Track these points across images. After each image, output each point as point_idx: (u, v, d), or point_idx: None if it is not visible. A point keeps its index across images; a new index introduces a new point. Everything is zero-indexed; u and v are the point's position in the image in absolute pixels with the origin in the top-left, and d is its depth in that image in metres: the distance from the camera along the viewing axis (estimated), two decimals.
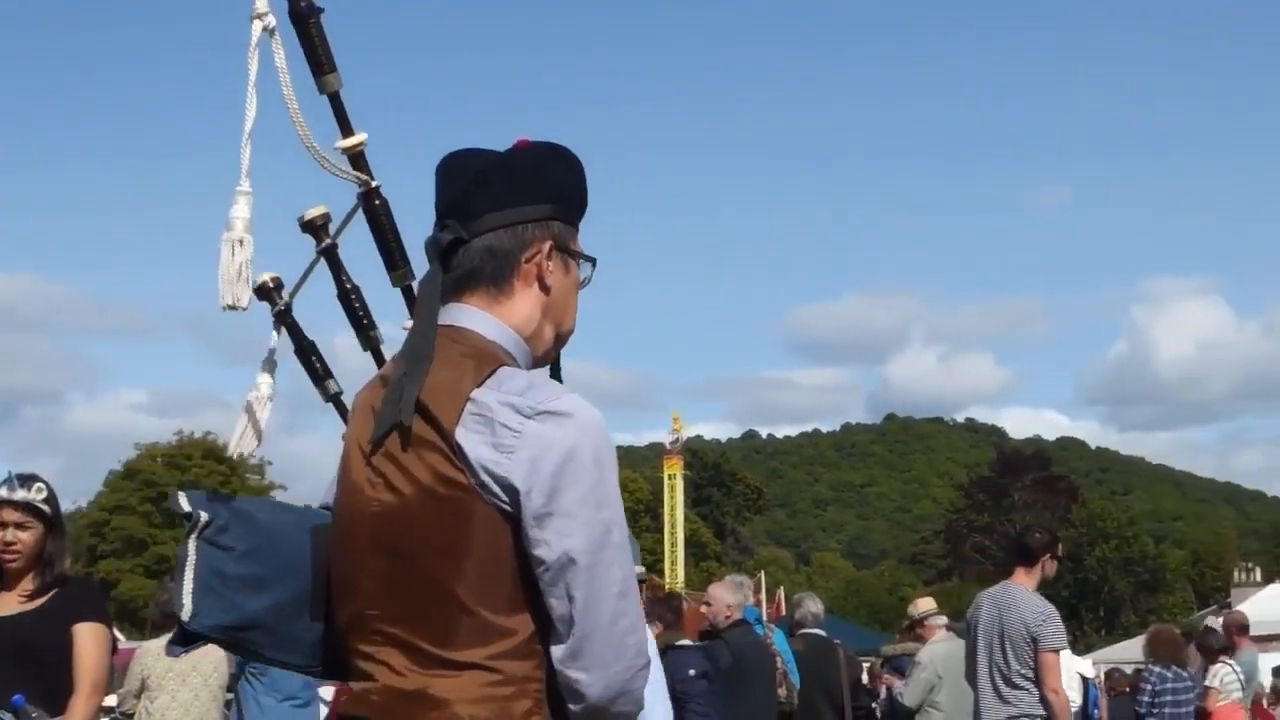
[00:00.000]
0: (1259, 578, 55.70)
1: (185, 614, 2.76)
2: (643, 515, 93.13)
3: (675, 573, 54.09)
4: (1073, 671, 13.75)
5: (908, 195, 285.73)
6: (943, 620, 12.93)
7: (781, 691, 11.49)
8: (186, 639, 2.83)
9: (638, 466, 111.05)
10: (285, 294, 3.44)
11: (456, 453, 2.56)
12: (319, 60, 3.24)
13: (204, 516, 2.82)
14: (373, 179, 3.32)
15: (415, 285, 3.18)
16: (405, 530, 2.61)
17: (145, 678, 9.27)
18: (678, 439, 57.10)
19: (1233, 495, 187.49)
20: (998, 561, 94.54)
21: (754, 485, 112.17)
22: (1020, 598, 8.84)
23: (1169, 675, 12.59)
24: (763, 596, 46.28)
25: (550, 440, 2.54)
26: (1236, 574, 60.23)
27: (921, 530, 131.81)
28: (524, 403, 2.56)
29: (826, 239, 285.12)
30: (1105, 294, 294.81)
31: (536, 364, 2.85)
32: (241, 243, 3.08)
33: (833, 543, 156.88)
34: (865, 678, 16.26)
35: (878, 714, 13.70)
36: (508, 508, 2.55)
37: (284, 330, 3.44)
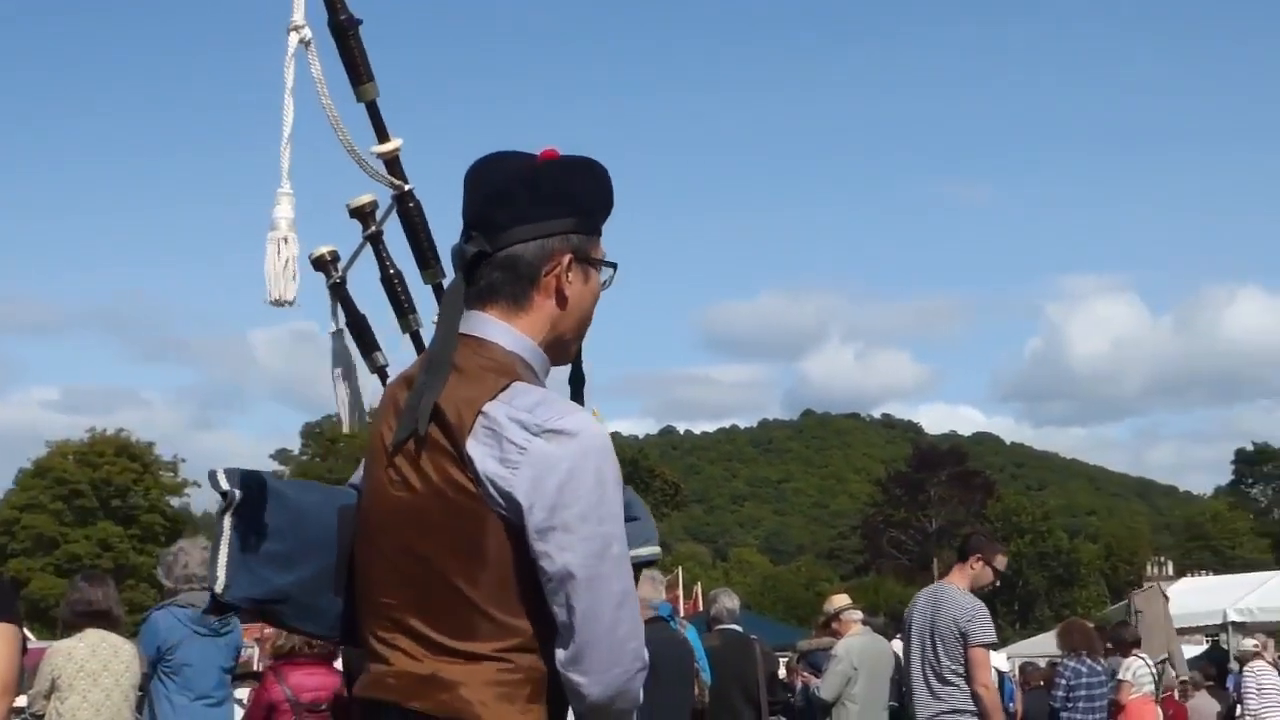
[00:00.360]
0: (1171, 572, 56.31)
1: (219, 586, 2.91)
2: None
3: None
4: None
5: (826, 192, 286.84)
6: (858, 615, 13.00)
7: (694, 690, 11.49)
8: (219, 609, 3.00)
9: None
10: (340, 269, 3.70)
11: (467, 463, 2.73)
12: (358, 70, 3.42)
13: (238, 494, 2.94)
14: (406, 183, 3.52)
15: (445, 284, 3.34)
16: (419, 529, 2.79)
17: (55, 678, 9.15)
18: None
19: (1145, 490, 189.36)
20: (914, 557, 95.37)
21: (671, 481, 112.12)
22: (952, 596, 9.01)
23: (1083, 668, 12.70)
24: (679, 593, 46.35)
25: (554, 458, 2.70)
26: (1149, 568, 60.87)
27: (838, 526, 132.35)
28: (531, 420, 2.72)
29: (745, 235, 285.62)
30: (1022, 291, 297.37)
31: (557, 363, 3.03)
32: (286, 240, 3.22)
33: (750, 538, 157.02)
34: (782, 673, 16.29)
35: (794, 709, 13.72)
36: (509, 517, 2.72)
37: (339, 304, 3.68)
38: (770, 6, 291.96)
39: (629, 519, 2.90)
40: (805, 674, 13.49)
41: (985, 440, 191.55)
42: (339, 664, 9.68)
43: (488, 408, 2.74)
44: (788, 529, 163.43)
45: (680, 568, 57.87)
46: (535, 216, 2.91)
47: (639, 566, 3.02)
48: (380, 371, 3.83)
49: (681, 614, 32.07)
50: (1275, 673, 16.88)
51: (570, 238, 2.94)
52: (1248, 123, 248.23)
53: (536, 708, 2.79)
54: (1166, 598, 21.32)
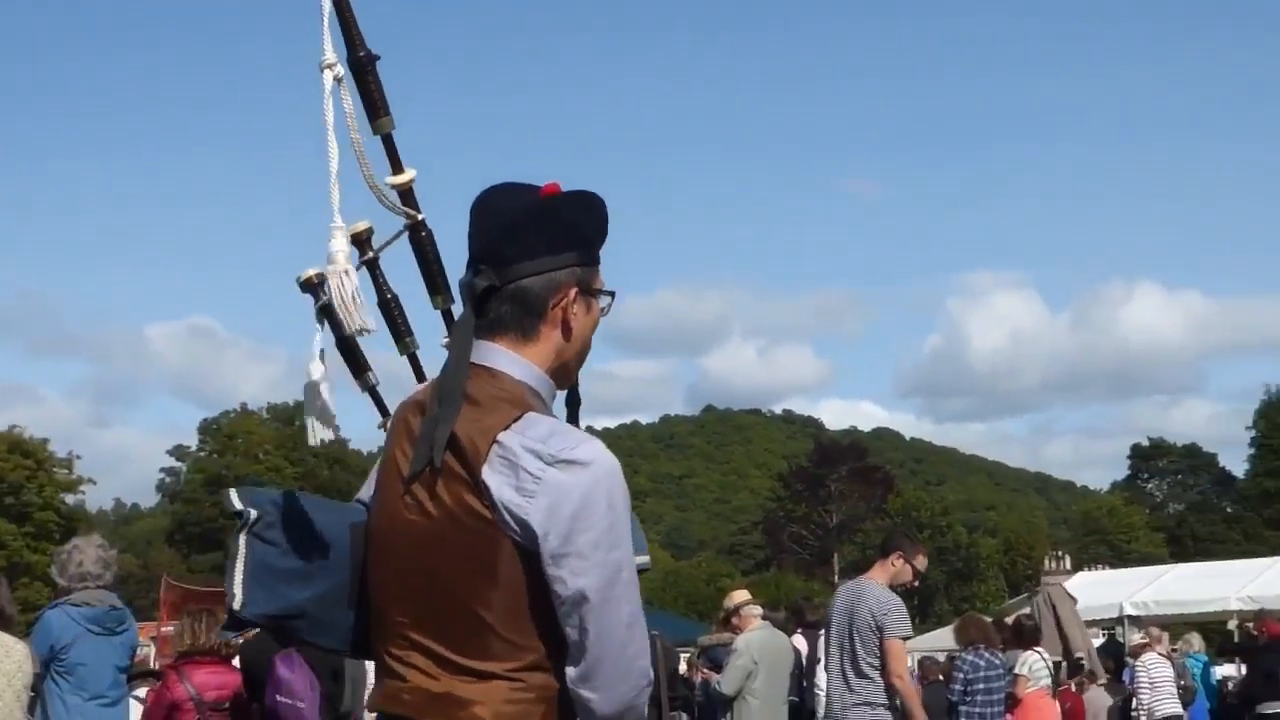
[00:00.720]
0: (1068, 566, 56.75)
1: (236, 604, 3.03)
2: None
3: None
4: None
5: (728, 188, 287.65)
6: (758, 610, 13.02)
7: None
8: (237, 625, 3.11)
9: None
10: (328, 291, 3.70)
11: (483, 490, 2.84)
12: (375, 105, 3.58)
13: (253, 514, 3.08)
14: (419, 213, 3.67)
15: (453, 310, 3.60)
16: (435, 552, 2.90)
17: None
18: None
19: (1043, 485, 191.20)
20: (815, 552, 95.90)
21: None
22: (871, 591, 9.22)
23: (980, 662, 12.76)
24: None
25: (568, 487, 2.81)
26: (1047, 562, 61.35)
27: (740, 521, 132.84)
28: (545, 450, 2.83)
29: (644, 230, 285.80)
30: (922, 288, 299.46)
31: (561, 388, 3.17)
32: (348, 273, 3.41)
33: (651, 534, 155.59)
34: (683, 668, 16.32)
35: (695, 704, 13.74)
36: (524, 543, 2.82)
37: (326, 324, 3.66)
38: (668, 2, 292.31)
39: None
40: (705, 670, 13.50)
41: (885, 436, 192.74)
42: (237, 663, 9.64)
43: (502, 437, 2.86)
44: (689, 525, 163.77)
45: None
46: (542, 251, 3.02)
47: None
48: (371, 391, 4.00)
49: None
50: (1167, 665, 17.09)
51: (575, 270, 3.06)
52: (1144, 119, 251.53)
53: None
54: (1073, 599, 21.54)
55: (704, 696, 13.05)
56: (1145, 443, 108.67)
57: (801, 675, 13.63)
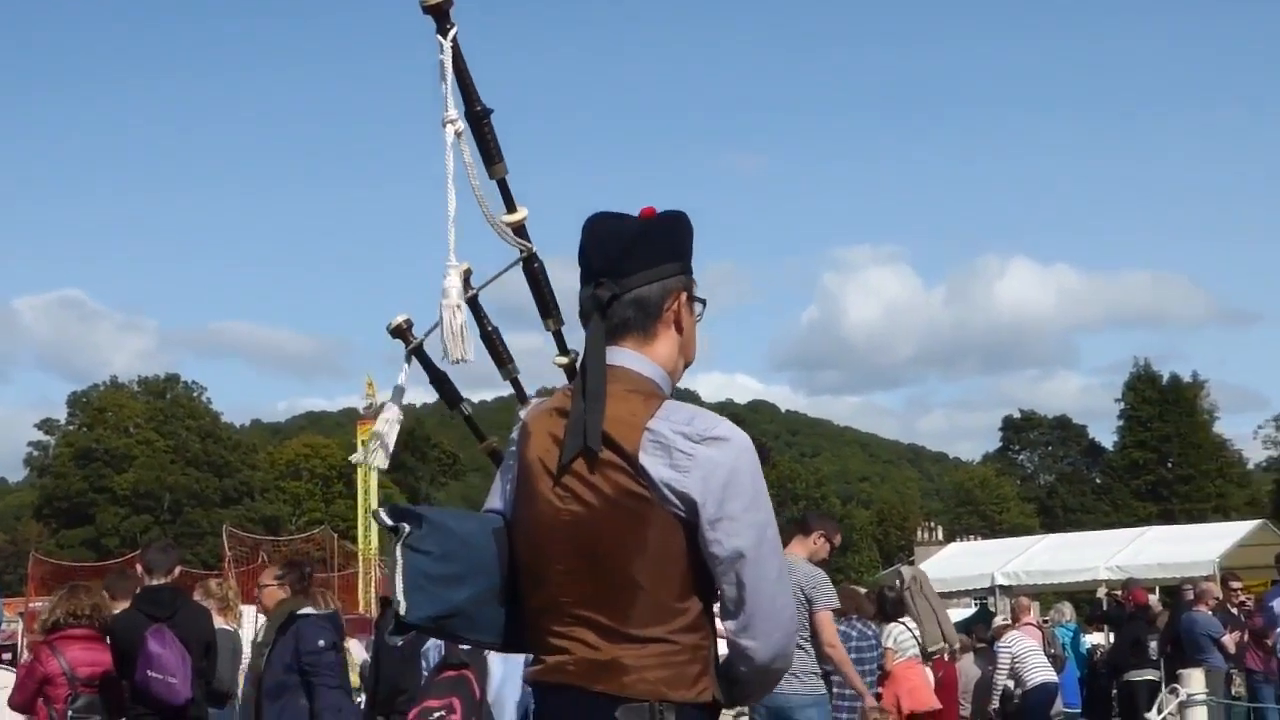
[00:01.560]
0: (940, 537, 57.59)
1: (401, 610, 3.33)
2: (336, 481, 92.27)
3: (368, 539, 53.47)
4: None
5: (603, 161, 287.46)
6: None
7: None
8: (403, 629, 3.41)
9: (331, 432, 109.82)
10: (417, 334, 4.42)
11: (640, 472, 3.23)
12: (490, 153, 3.99)
13: (406, 528, 3.38)
14: (532, 245, 4.07)
15: (563, 332, 4.08)
16: (593, 534, 3.26)
17: None
18: (371, 404, 56.34)
19: (916, 457, 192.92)
20: None
21: (449, 451, 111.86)
22: (796, 566, 9.27)
23: (853, 632, 12.87)
24: None
25: (716, 461, 3.23)
26: (920, 533, 62.18)
27: None
28: (692, 431, 3.25)
29: (529, 201, 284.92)
30: (798, 261, 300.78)
31: (675, 380, 3.56)
32: (459, 308, 3.86)
33: None
34: None
35: None
36: (683, 514, 3.22)
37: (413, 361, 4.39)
38: None
39: None
40: None
41: (761, 408, 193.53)
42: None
43: (652, 425, 3.27)
44: None
45: None
46: (654, 262, 3.47)
47: None
48: (467, 419, 4.72)
49: None
50: (1032, 639, 17.29)
51: (681, 278, 3.53)
52: (1017, 93, 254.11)
53: (706, 679, 3.28)
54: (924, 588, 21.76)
55: None
56: (1016, 415, 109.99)
57: None
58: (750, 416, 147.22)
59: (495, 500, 3.62)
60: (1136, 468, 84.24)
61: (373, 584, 46.03)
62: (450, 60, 3.89)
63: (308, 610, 9.40)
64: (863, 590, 16.09)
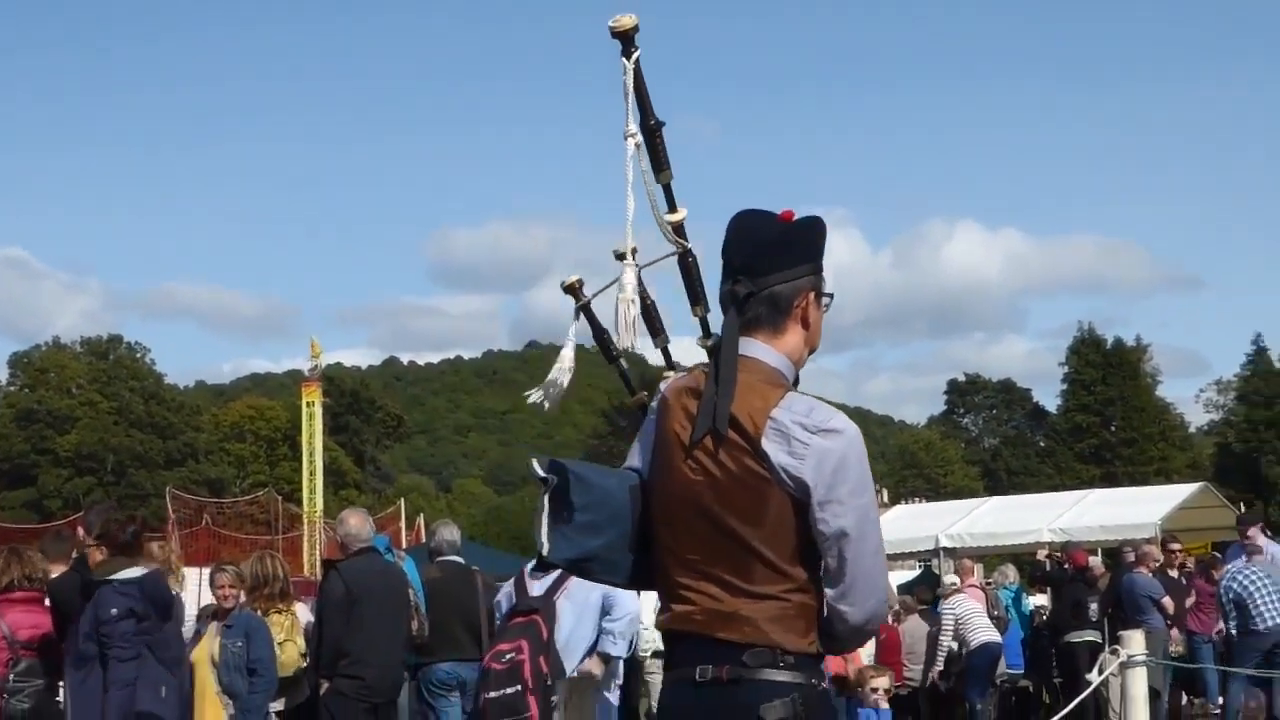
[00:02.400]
0: (885, 499, 57.81)
1: (544, 551, 3.89)
2: (280, 444, 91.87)
3: (314, 501, 53.36)
4: None
5: (551, 121, 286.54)
6: None
7: (413, 624, 11.37)
8: (544, 567, 4.04)
9: (276, 394, 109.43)
10: (587, 293, 4.79)
11: (761, 456, 3.71)
12: (659, 161, 4.43)
13: (554, 480, 3.91)
14: (688, 243, 4.50)
15: (709, 318, 4.48)
16: (718, 503, 3.76)
17: None
18: (316, 366, 56.24)
19: (861, 420, 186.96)
20: None
21: (394, 413, 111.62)
22: None
23: None
24: (401, 524, 46.15)
25: (829, 450, 3.70)
26: None
27: (563, 456, 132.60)
28: (809, 422, 3.72)
29: (471, 163, 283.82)
30: None
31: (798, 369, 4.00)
32: (633, 302, 4.34)
33: (475, 469, 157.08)
34: None
35: None
36: (796, 494, 3.71)
37: (582, 317, 4.84)
38: None
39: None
40: None
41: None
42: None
43: (774, 414, 3.73)
44: (512, 460, 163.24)
45: (403, 499, 57.75)
46: (788, 264, 3.93)
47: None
48: (622, 374, 5.18)
49: (404, 545, 31.97)
50: (975, 600, 17.38)
51: (811, 278, 3.99)
52: (965, 58, 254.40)
53: (812, 634, 3.80)
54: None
55: None
56: (961, 378, 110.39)
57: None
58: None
59: (634, 459, 4.14)
60: (1080, 431, 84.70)
61: (318, 546, 45.85)
62: (633, 80, 4.36)
63: (116, 575, 8.82)
64: None
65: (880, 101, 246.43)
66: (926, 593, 19.73)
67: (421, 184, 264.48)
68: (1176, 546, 19.02)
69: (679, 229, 4.49)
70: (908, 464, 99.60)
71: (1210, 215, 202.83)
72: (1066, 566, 18.29)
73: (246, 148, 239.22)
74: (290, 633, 11.15)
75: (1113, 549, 23.75)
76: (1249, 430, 76.52)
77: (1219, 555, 20.41)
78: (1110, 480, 67.93)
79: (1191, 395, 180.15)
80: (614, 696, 8.52)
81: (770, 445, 3.71)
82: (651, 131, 4.43)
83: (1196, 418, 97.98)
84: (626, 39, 4.34)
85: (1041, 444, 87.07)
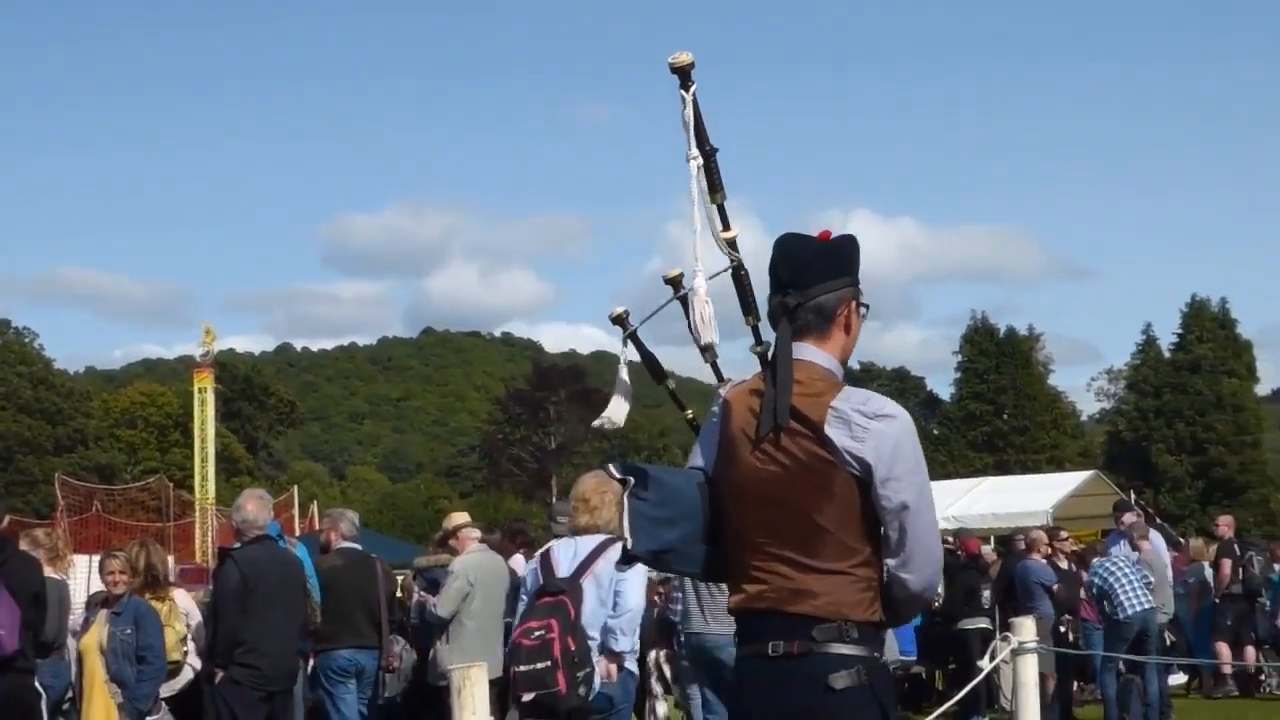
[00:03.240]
0: None
1: (629, 544, 4.33)
2: (172, 430, 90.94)
3: (206, 488, 52.80)
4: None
5: (450, 107, 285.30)
6: (476, 532, 12.96)
7: (307, 608, 11.31)
8: (630, 560, 4.45)
9: (167, 380, 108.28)
10: (633, 321, 5.27)
11: (825, 441, 4.19)
12: (714, 183, 4.75)
13: (632, 480, 4.36)
14: (740, 256, 4.75)
15: (759, 326, 4.72)
16: (787, 489, 4.23)
17: None
18: (208, 352, 55.58)
19: None
20: (534, 474, 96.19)
21: (287, 399, 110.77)
22: None
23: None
24: (295, 511, 45.77)
25: (886, 433, 4.17)
26: None
27: (458, 443, 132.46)
28: (867, 409, 4.20)
29: (368, 149, 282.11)
30: (643, 212, 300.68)
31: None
32: (707, 302, 4.70)
33: (369, 456, 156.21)
34: (400, 591, 16.18)
35: (410, 627, 13.63)
36: (859, 475, 4.17)
37: (630, 344, 5.27)
38: None
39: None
40: (422, 592, 13.42)
41: (604, 359, 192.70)
42: None
43: (834, 404, 4.21)
44: (407, 447, 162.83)
45: (296, 486, 57.22)
46: (830, 277, 4.44)
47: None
48: (671, 393, 5.55)
49: (298, 533, 31.71)
50: None
51: (850, 289, 4.48)
52: (861, 47, 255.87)
53: (877, 605, 4.25)
54: None
55: (419, 619, 12.93)
56: (856, 367, 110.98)
57: (516, 596, 13.60)
58: (593, 367, 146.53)
59: (697, 459, 4.61)
60: (973, 419, 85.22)
61: (210, 534, 45.37)
62: (692, 110, 4.72)
63: None
64: None
65: (777, 90, 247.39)
66: None
67: (318, 169, 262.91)
68: (1065, 534, 19.21)
69: (733, 244, 4.86)
70: None
71: (1102, 206, 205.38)
72: (959, 554, 18.42)
73: (140, 131, 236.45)
74: (169, 619, 11.03)
75: (1005, 536, 23.97)
76: (1139, 419, 77.38)
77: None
78: (1002, 468, 68.55)
79: (1083, 384, 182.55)
80: (633, 665, 8.76)
81: (833, 431, 4.18)
82: (708, 156, 4.84)
83: (1088, 406, 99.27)
84: (684, 74, 4.75)
85: (935, 432, 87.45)
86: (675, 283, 5.11)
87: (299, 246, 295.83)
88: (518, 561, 13.97)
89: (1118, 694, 15.78)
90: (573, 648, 7.97)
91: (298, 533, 30.97)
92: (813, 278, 4.42)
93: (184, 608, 11.52)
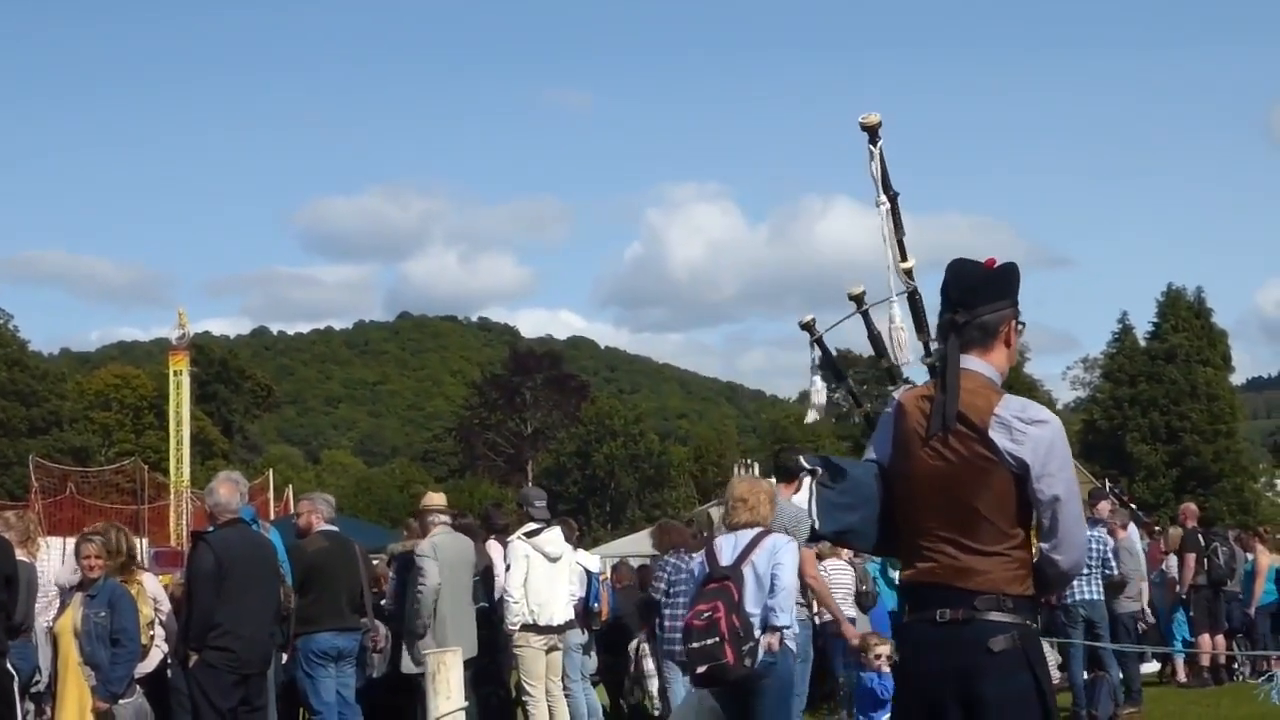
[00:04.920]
0: (757, 473, 58.06)
1: (817, 525, 5.17)
2: (147, 413, 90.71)
3: (180, 471, 52.67)
4: (575, 566, 13.96)
5: (431, 91, 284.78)
6: (445, 517, 13.01)
7: (280, 594, 11.30)
8: (816, 538, 5.49)
9: (143, 363, 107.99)
10: (820, 328, 6.53)
11: (989, 443, 4.85)
12: (898, 222, 5.65)
13: (819, 470, 5.16)
14: (915, 284, 5.67)
15: (930, 342, 5.64)
16: (953, 481, 4.90)
17: None
18: (184, 335, 55.44)
19: (734, 394, 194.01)
20: (509, 459, 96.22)
21: (263, 383, 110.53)
22: (783, 505, 9.91)
23: (681, 565, 13.03)
24: (270, 495, 45.71)
25: (1041, 437, 4.84)
26: (736, 470, 62.64)
27: (434, 428, 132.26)
28: (1025, 416, 4.86)
29: (348, 132, 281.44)
30: (623, 198, 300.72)
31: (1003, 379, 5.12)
32: (901, 328, 5.81)
33: (344, 440, 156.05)
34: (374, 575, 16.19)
35: (385, 611, 13.64)
36: (1017, 471, 4.84)
37: (817, 347, 6.50)
38: None
39: None
40: (393, 575, 13.45)
41: (581, 344, 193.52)
42: None
43: (997, 410, 4.87)
44: (382, 431, 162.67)
45: (271, 470, 57.17)
46: (995, 298, 5.09)
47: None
48: (852, 392, 6.57)
49: (273, 516, 31.66)
50: (849, 567, 17.49)
51: (1012, 309, 5.12)
52: (841, 34, 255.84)
53: (1029, 580, 4.93)
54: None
55: (394, 602, 12.93)
56: (834, 353, 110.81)
57: (490, 581, 13.61)
58: (570, 353, 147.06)
59: (871, 453, 5.30)
60: None
61: (185, 516, 45.26)
62: (879, 164, 5.53)
63: None
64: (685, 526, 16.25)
65: (757, 76, 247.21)
66: None
67: (297, 153, 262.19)
68: None
69: (909, 273, 5.62)
70: (779, 438, 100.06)
71: (1079, 195, 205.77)
72: None
73: (118, 115, 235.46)
74: (139, 601, 11.02)
75: None
76: (1114, 408, 77.53)
77: None
78: None
79: (1059, 372, 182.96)
80: (792, 643, 9.66)
81: (996, 435, 4.84)
82: (893, 200, 5.58)
83: (1064, 395, 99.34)
84: (873, 131, 5.51)
85: None
86: (859, 299, 6.01)
87: (277, 230, 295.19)
88: (493, 547, 13.98)
89: (1086, 686, 15.79)
90: (737, 624, 8.93)
91: (272, 517, 30.91)
92: (978, 299, 5.07)
93: (152, 592, 11.50)
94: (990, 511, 4.86)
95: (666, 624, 13.13)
